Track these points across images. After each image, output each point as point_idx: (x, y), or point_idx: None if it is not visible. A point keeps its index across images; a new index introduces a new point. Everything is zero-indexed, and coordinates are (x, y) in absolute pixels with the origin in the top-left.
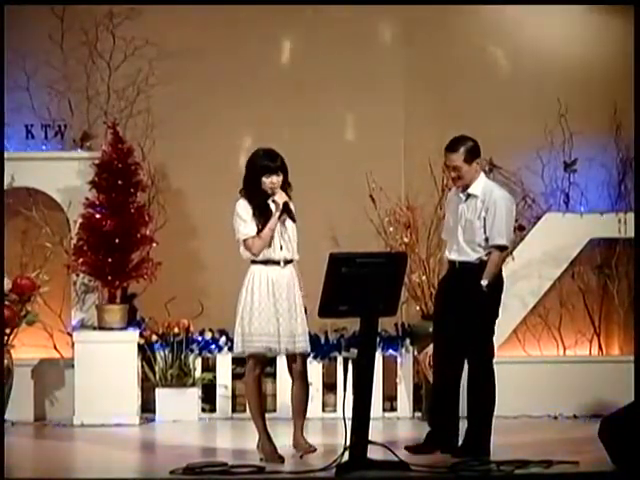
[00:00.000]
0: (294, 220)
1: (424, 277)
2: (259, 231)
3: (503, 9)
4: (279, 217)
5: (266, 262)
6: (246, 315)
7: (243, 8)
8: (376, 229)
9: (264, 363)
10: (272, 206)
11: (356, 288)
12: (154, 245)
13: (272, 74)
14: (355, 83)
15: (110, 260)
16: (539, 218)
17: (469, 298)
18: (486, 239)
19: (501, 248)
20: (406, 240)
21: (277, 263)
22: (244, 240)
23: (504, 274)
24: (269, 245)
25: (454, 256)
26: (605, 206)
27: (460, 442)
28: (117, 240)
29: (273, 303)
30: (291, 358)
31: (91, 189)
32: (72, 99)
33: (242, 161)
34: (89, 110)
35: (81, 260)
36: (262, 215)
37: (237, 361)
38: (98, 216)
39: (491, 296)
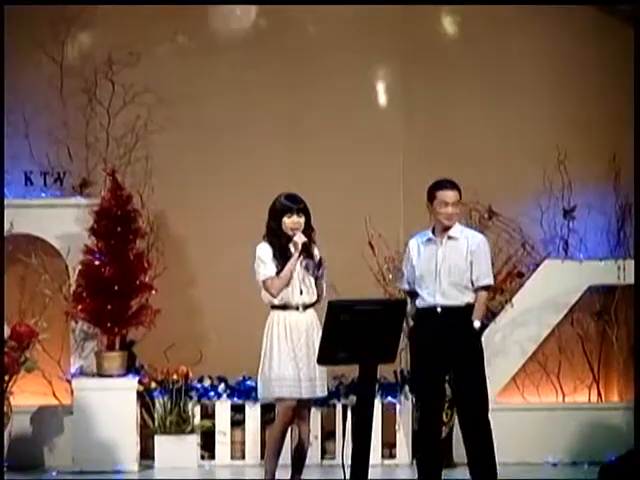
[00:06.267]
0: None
1: None
2: (279, 272)
3: (504, 52)
4: (298, 257)
5: (284, 307)
6: (267, 361)
7: (242, 53)
8: (375, 276)
9: (294, 409)
10: (292, 248)
11: (355, 335)
12: (153, 292)
13: (271, 121)
14: (354, 129)
15: (109, 307)
16: (538, 265)
17: (462, 342)
18: (472, 281)
19: (487, 288)
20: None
21: (296, 308)
22: (263, 281)
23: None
24: (289, 289)
25: (440, 301)
26: (604, 253)
27: None
28: (116, 287)
29: (292, 348)
30: (303, 403)
31: (90, 236)
32: (71, 146)
33: (241, 209)
34: (88, 157)
35: (80, 307)
36: (282, 257)
37: (236, 408)
38: (97, 263)
39: (480, 337)
